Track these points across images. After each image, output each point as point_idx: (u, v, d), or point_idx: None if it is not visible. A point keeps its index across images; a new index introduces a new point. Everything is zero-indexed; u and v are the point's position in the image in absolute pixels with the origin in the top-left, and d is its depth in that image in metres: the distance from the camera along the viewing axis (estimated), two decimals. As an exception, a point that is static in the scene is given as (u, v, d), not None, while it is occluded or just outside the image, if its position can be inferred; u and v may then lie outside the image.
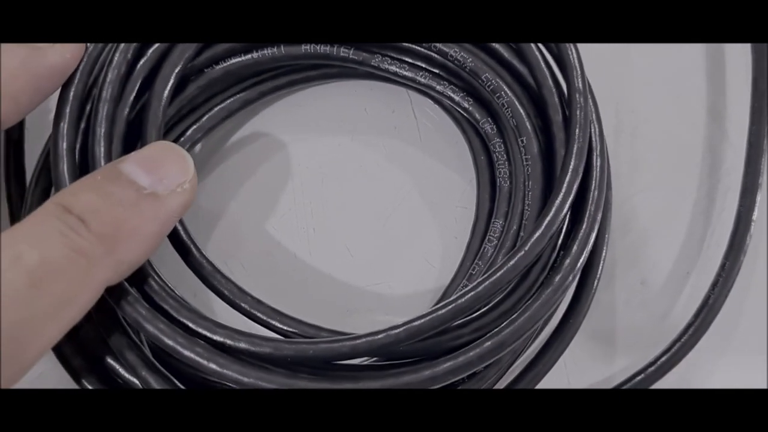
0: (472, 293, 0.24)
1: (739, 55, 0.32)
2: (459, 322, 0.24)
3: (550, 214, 0.24)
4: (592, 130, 0.26)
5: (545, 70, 0.27)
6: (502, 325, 0.24)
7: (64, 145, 0.25)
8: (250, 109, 0.31)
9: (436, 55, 0.28)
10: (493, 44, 0.28)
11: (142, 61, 0.26)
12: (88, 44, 0.26)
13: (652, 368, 0.28)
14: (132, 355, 0.24)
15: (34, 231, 0.21)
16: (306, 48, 0.29)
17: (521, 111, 0.27)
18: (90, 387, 0.25)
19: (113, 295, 0.23)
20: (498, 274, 0.24)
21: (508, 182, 0.28)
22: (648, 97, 0.32)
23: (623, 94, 0.32)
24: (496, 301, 0.25)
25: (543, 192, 0.26)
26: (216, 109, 0.30)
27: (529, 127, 0.27)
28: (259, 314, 0.26)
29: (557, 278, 0.24)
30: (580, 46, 0.26)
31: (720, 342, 0.30)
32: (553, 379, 0.27)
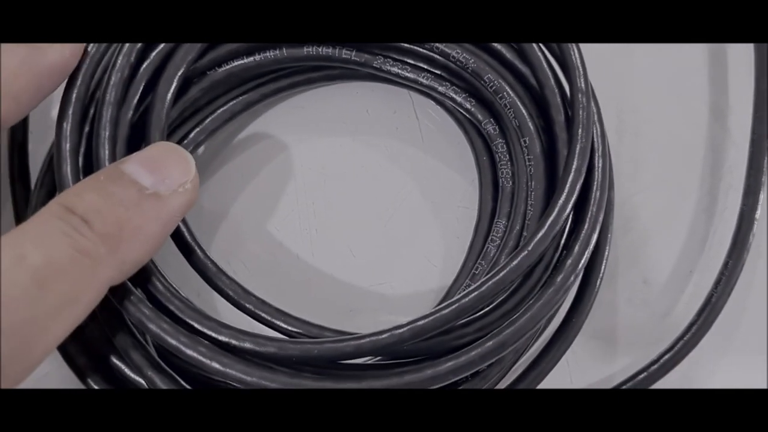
0: (476, 293, 0.24)
1: (741, 55, 0.32)
2: (462, 321, 0.24)
3: (553, 214, 0.24)
4: (595, 130, 0.26)
5: (547, 70, 0.27)
6: (505, 324, 0.24)
7: (67, 147, 0.25)
8: (252, 110, 0.31)
9: (438, 57, 0.28)
10: (496, 45, 0.28)
11: (145, 64, 0.26)
12: (91, 47, 0.26)
13: (655, 366, 0.28)
14: (137, 354, 0.24)
15: (39, 231, 0.21)
16: (308, 50, 0.29)
17: (524, 111, 0.27)
18: (95, 386, 0.25)
19: (117, 295, 0.23)
20: (501, 273, 0.24)
21: (510, 182, 0.28)
22: (650, 97, 0.32)
23: (625, 94, 0.32)
24: (498, 300, 0.25)
25: (546, 192, 0.27)
26: (219, 111, 0.30)
27: (531, 127, 0.27)
28: (263, 314, 0.26)
29: (559, 278, 0.24)
30: (581, 46, 0.26)
31: (722, 341, 0.30)
32: (555, 378, 0.27)
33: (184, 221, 0.26)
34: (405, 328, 0.23)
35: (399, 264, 0.30)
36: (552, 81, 0.27)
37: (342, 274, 0.30)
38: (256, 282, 0.27)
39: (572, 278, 0.25)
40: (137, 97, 0.26)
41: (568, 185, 0.25)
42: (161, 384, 0.23)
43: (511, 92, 0.27)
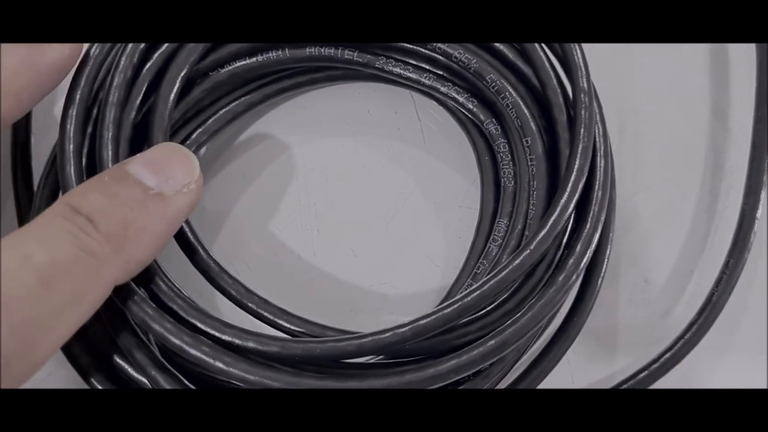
0: (478, 292, 0.24)
1: (741, 55, 0.32)
2: (464, 320, 0.24)
3: (555, 214, 0.24)
4: (597, 130, 0.26)
5: (549, 70, 0.27)
6: (506, 323, 0.24)
7: (70, 148, 0.25)
8: (254, 111, 0.31)
9: (440, 57, 0.28)
10: (498, 45, 0.28)
11: (148, 65, 0.26)
12: (94, 49, 0.26)
13: (655, 365, 0.28)
14: (141, 354, 0.24)
15: (44, 231, 0.21)
16: (310, 50, 0.29)
17: (526, 111, 0.27)
18: (99, 386, 0.25)
19: (120, 295, 0.23)
20: (503, 273, 0.24)
21: (512, 182, 0.28)
22: (651, 97, 0.32)
23: (626, 93, 0.32)
24: (500, 300, 0.25)
25: (547, 192, 0.27)
26: (221, 111, 0.30)
27: (533, 127, 0.27)
28: (266, 314, 0.26)
29: (561, 277, 0.25)
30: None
31: (722, 340, 0.30)
32: (556, 377, 0.27)
33: (187, 221, 0.26)
34: (407, 327, 0.23)
35: (401, 264, 0.30)
36: (554, 81, 0.27)
37: (344, 273, 0.30)
38: (258, 282, 0.27)
39: (574, 278, 0.25)
40: (140, 98, 0.26)
41: (570, 185, 0.25)
42: (165, 383, 0.24)
43: (513, 92, 0.27)
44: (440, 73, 0.29)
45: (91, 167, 0.25)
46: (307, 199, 0.31)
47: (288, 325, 0.26)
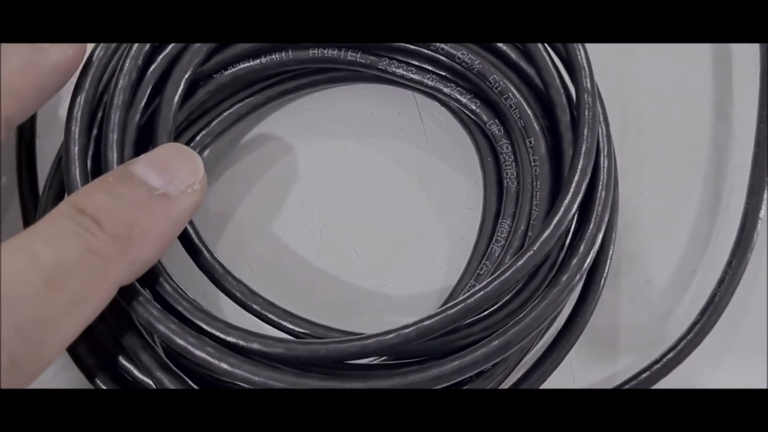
0: (481, 293, 0.24)
1: (745, 55, 0.32)
2: (467, 321, 0.25)
3: (559, 214, 0.24)
4: (600, 130, 0.26)
5: (552, 70, 0.27)
6: (509, 324, 0.24)
7: (75, 150, 0.25)
8: (258, 113, 0.31)
9: (443, 58, 0.28)
10: (501, 46, 0.28)
11: (152, 67, 0.27)
12: (98, 51, 0.26)
13: (658, 365, 0.28)
14: (146, 355, 0.24)
15: (50, 232, 0.21)
16: (313, 52, 0.29)
17: (529, 112, 0.27)
18: (104, 387, 0.25)
19: (125, 296, 0.23)
20: (507, 274, 0.24)
21: (515, 183, 0.28)
22: (654, 97, 0.32)
23: (629, 94, 0.32)
24: (504, 300, 0.25)
25: (550, 192, 0.27)
26: (225, 113, 0.30)
27: (536, 127, 0.27)
28: (270, 315, 0.26)
29: (564, 278, 0.25)
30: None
31: (725, 340, 0.30)
32: (558, 377, 0.27)
33: (191, 223, 0.26)
34: (411, 328, 0.23)
35: (403, 265, 0.30)
36: (557, 81, 0.27)
37: (346, 274, 0.30)
38: (261, 283, 0.28)
39: (577, 278, 0.25)
40: (144, 100, 0.26)
41: (573, 185, 0.25)
42: (169, 384, 0.24)
43: (516, 93, 0.27)
44: (443, 74, 0.29)
45: (96, 169, 0.26)
46: (310, 200, 0.31)
47: (292, 327, 0.26)
